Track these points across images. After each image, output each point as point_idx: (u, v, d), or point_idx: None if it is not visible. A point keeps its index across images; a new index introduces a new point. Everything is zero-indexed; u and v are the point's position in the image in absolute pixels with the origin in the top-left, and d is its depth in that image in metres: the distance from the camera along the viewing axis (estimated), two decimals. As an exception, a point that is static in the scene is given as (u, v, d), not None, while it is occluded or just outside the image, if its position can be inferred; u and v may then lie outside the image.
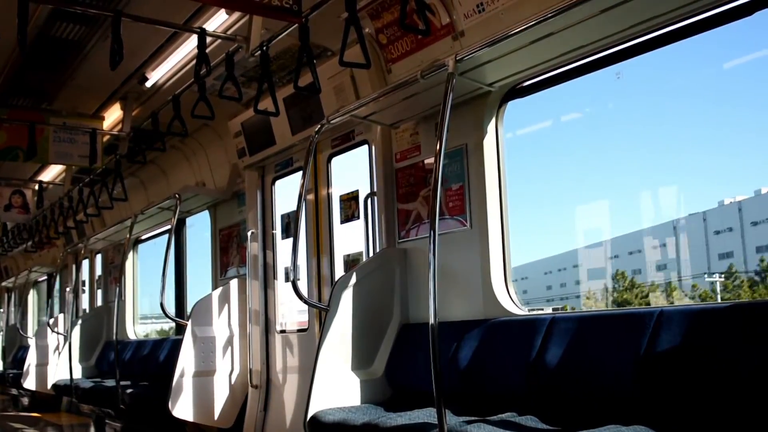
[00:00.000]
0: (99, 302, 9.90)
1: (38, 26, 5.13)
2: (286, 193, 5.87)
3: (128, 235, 7.41)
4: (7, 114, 6.45)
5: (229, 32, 4.76)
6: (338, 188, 5.27)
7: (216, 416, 5.61)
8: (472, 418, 3.13)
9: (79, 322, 8.54)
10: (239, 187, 6.37)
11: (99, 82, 6.11)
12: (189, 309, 5.89)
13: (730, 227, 44.47)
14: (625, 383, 2.97)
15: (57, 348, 9.14)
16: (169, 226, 6.68)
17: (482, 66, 3.60)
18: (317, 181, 5.39)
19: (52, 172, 8.82)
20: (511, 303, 3.89)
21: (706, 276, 40.88)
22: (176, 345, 6.20)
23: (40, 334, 9.76)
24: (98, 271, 10.06)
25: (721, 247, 44.07)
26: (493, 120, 4.07)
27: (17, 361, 11.70)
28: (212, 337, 5.67)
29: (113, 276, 9.48)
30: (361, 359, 4.14)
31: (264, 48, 4.44)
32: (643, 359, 2.92)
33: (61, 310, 10.31)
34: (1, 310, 14.35)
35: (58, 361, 8.56)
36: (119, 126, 6.75)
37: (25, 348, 10.91)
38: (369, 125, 4.73)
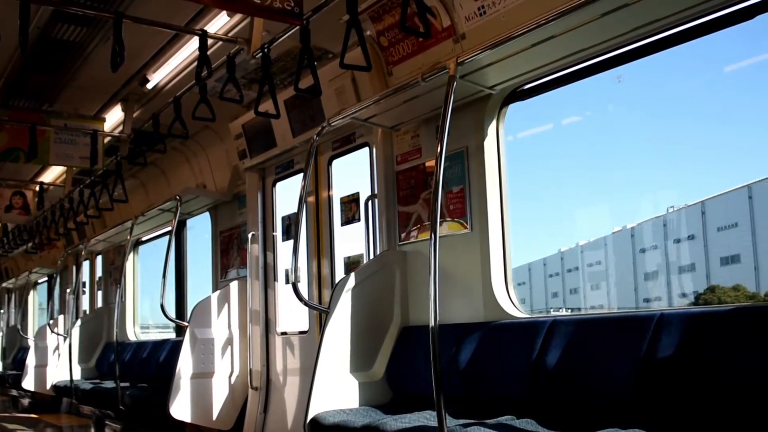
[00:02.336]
0: (99, 304, 9.90)
1: (39, 28, 5.14)
2: (287, 195, 5.88)
3: (129, 237, 7.41)
4: (8, 115, 6.45)
5: (230, 34, 4.76)
6: (339, 190, 5.27)
7: (215, 418, 5.60)
8: (471, 421, 3.13)
9: (79, 323, 8.54)
10: (240, 189, 6.37)
11: (100, 83, 6.11)
12: (189, 311, 5.88)
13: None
14: (625, 387, 2.97)
15: (57, 349, 9.14)
16: (169, 228, 6.68)
17: (483, 69, 3.60)
18: (318, 183, 5.39)
19: (52, 174, 8.82)
20: (511, 306, 3.89)
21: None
22: (176, 346, 6.20)
23: (40, 335, 9.76)
24: (98, 273, 10.06)
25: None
26: (494, 123, 4.08)
27: (17, 362, 11.71)
28: (212, 338, 5.67)
29: (113, 277, 9.48)
30: (362, 361, 4.14)
31: (265, 50, 4.44)
32: (643, 363, 2.92)
33: (61, 312, 10.31)
34: (2, 311, 14.35)
35: (58, 362, 8.56)
36: (120, 127, 6.75)
37: (25, 349, 10.90)
38: (370, 128, 4.73)
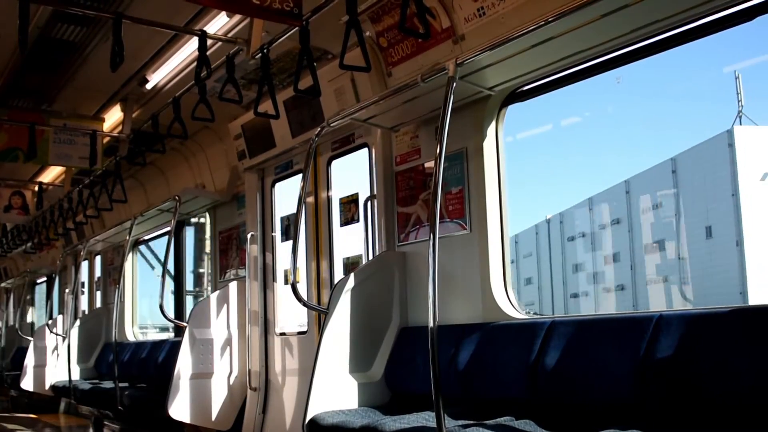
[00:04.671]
0: (98, 304, 9.89)
1: (39, 27, 5.13)
2: (286, 195, 5.88)
3: (128, 237, 7.40)
4: (7, 115, 6.45)
5: (229, 35, 4.76)
6: (338, 191, 5.27)
7: (214, 418, 5.60)
8: (470, 422, 3.13)
9: (78, 323, 8.53)
10: (239, 190, 6.36)
11: (99, 83, 6.11)
12: (188, 311, 5.88)
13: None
14: (624, 388, 2.97)
15: (55, 349, 9.13)
16: (168, 228, 6.68)
17: (482, 70, 3.60)
18: (317, 184, 5.39)
19: (51, 174, 8.81)
20: (510, 307, 3.89)
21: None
22: (175, 347, 6.19)
23: (39, 335, 9.75)
24: (97, 273, 10.05)
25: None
26: (493, 123, 4.08)
27: (16, 362, 11.69)
28: (211, 339, 5.67)
29: (112, 277, 9.47)
30: (360, 362, 4.14)
31: (264, 50, 4.44)
32: (641, 364, 2.92)
33: (60, 312, 10.30)
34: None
35: (57, 362, 8.55)
36: (119, 128, 6.74)
37: (24, 349, 10.89)
38: (369, 128, 4.73)
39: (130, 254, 9.10)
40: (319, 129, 4.32)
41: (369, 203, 4.72)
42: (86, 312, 9.84)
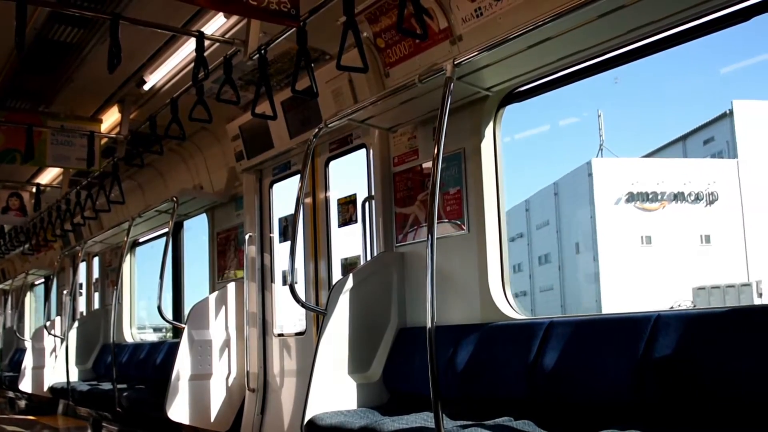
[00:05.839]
0: (96, 305, 9.88)
1: (36, 29, 5.13)
2: (284, 196, 5.87)
3: (126, 238, 7.40)
4: (4, 116, 6.44)
5: (227, 36, 4.76)
6: (336, 192, 5.27)
7: (213, 419, 5.60)
8: (469, 423, 3.13)
9: (76, 324, 8.52)
10: (237, 191, 6.36)
11: (97, 85, 6.10)
12: (186, 312, 5.87)
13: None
14: (622, 388, 2.97)
15: (54, 351, 9.12)
16: (166, 229, 6.68)
17: (480, 70, 3.61)
18: (315, 185, 5.39)
19: (49, 175, 8.81)
20: (508, 307, 3.89)
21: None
22: (173, 348, 6.19)
23: (37, 337, 9.74)
24: (95, 274, 10.04)
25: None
26: (491, 124, 4.08)
27: (14, 363, 11.68)
28: (209, 340, 5.66)
29: (110, 279, 9.46)
30: (359, 363, 4.14)
31: (262, 51, 4.44)
32: (640, 364, 2.92)
33: (58, 313, 10.29)
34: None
35: (55, 364, 8.54)
36: (117, 129, 6.73)
37: (22, 351, 10.88)
38: (367, 129, 4.73)
39: (128, 255, 9.09)
40: (316, 130, 4.32)
41: (367, 204, 4.73)
42: (84, 313, 9.83)
